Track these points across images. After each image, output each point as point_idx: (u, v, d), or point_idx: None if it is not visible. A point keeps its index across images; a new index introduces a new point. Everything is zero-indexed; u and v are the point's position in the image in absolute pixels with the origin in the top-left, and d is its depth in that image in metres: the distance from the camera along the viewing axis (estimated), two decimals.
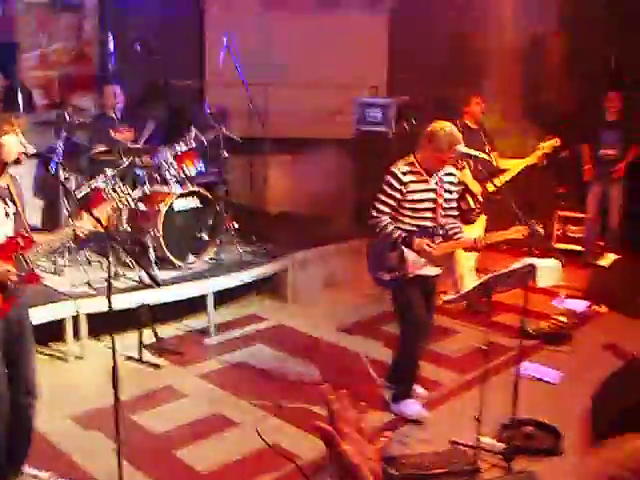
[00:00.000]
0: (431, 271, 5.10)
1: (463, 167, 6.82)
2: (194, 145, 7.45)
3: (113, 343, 3.72)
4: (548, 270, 4.30)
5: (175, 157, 7.29)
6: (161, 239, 6.75)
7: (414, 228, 4.98)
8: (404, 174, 4.94)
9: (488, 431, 4.72)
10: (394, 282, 5.04)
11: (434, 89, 9.38)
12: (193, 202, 7.08)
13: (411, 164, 4.99)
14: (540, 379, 5.84)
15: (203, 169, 7.50)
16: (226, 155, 7.59)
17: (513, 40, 9.45)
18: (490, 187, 6.90)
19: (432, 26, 9.55)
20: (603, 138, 8.63)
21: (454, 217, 5.19)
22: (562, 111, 9.15)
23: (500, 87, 9.36)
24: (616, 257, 8.10)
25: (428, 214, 5.00)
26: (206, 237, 7.08)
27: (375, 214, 4.98)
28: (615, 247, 8.62)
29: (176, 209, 6.92)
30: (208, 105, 8.01)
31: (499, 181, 6.83)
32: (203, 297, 6.68)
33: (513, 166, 7.03)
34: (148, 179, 7.25)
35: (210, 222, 7.13)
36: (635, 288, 7.43)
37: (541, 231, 4.33)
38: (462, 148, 4.83)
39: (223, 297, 6.96)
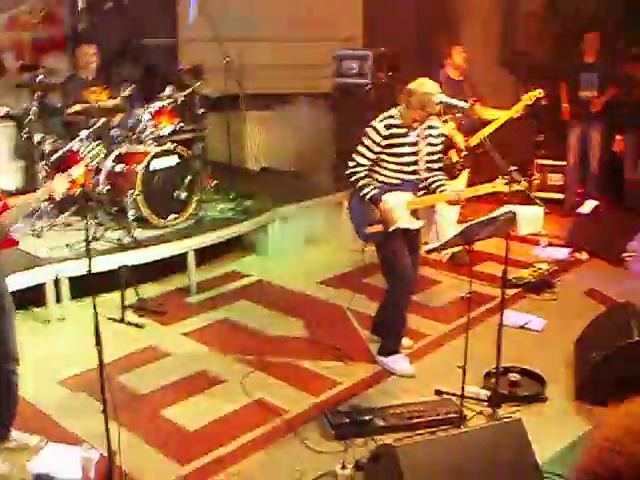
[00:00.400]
0: (414, 224, 5.09)
1: (446, 121, 6.77)
2: (169, 103, 7.37)
3: (94, 306, 3.68)
4: (530, 217, 4.29)
5: (151, 116, 7.22)
6: (139, 199, 6.69)
7: (396, 181, 4.96)
8: (385, 128, 4.90)
9: (473, 380, 4.74)
10: (377, 235, 5.01)
11: (412, 39, 9.30)
12: (170, 160, 6.98)
13: (391, 118, 4.95)
14: (524, 327, 5.86)
15: (179, 127, 7.42)
16: (202, 112, 7.51)
17: None
18: (474, 140, 6.86)
19: None
20: (582, 80, 8.60)
21: (438, 170, 5.15)
22: (540, 57, 9.11)
23: (478, 35, 9.29)
24: (596, 204, 8.13)
25: (410, 167, 4.97)
26: (185, 195, 7.01)
27: (352, 166, 4.96)
28: (596, 193, 8.64)
29: (153, 168, 6.83)
30: (182, 63, 7.88)
31: (483, 133, 6.82)
32: (184, 256, 6.64)
33: (497, 117, 6.95)
34: (124, 139, 7.18)
35: (188, 180, 7.04)
36: (615, 234, 7.47)
37: (522, 180, 4.30)
38: (442, 97, 4.78)
39: (204, 255, 6.92)
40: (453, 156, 6.89)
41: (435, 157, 5.11)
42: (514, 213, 4.04)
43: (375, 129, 4.91)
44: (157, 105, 7.28)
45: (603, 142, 8.71)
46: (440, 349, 5.56)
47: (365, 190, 4.89)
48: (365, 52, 8.93)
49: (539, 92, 6.91)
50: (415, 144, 4.96)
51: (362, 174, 4.93)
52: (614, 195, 8.67)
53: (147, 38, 8.97)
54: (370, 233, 5.02)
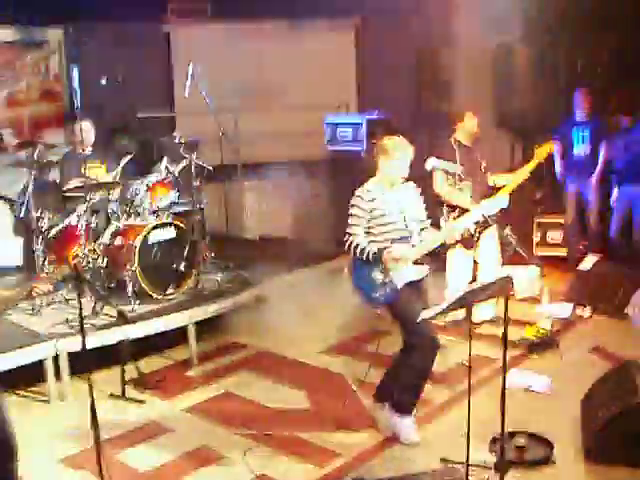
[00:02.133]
0: (421, 272, 5.09)
1: (461, 189, 6.75)
2: (166, 176, 7.42)
3: (90, 384, 3.64)
4: (526, 280, 4.27)
5: (147, 189, 7.26)
6: (138, 273, 6.69)
7: (387, 243, 4.99)
8: (368, 192, 5.04)
9: (479, 446, 4.67)
10: (388, 297, 4.98)
11: (405, 104, 9.39)
12: (168, 233, 7.01)
13: (374, 183, 5.10)
14: (529, 389, 5.78)
15: (176, 199, 7.46)
16: (198, 183, 7.56)
17: (480, 52, 9.46)
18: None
19: (399, 42, 9.57)
20: (574, 137, 8.64)
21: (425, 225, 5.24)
22: (532, 116, 9.17)
23: (470, 99, 9.37)
24: (596, 259, 8.10)
25: (398, 226, 5.05)
26: (183, 268, 7.01)
27: (349, 236, 5.03)
28: (597, 248, 8.61)
29: (151, 241, 6.85)
30: (178, 135, 7.95)
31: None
32: (184, 329, 6.60)
33: (511, 180, 6.89)
34: (121, 213, 7.20)
35: (186, 252, 7.05)
36: (617, 288, 7.42)
37: (513, 241, 4.28)
38: (434, 161, 4.81)
39: (204, 327, 6.87)
40: (471, 227, 6.80)
41: (420, 212, 5.22)
42: (510, 277, 4.02)
43: (359, 196, 5.04)
44: (154, 178, 7.32)
45: (600, 197, 8.72)
46: (444, 416, 5.46)
47: (367, 249, 4.94)
48: (358, 118, 9.01)
49: (550, 147, 6.90)
50: (398, 202, 5.08)
51: (359, 239, 4.98)
52: (615, 248, 8.63)
53: (143, 112, 9.07)
54: (380, 295, 4.97)
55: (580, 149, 8.64)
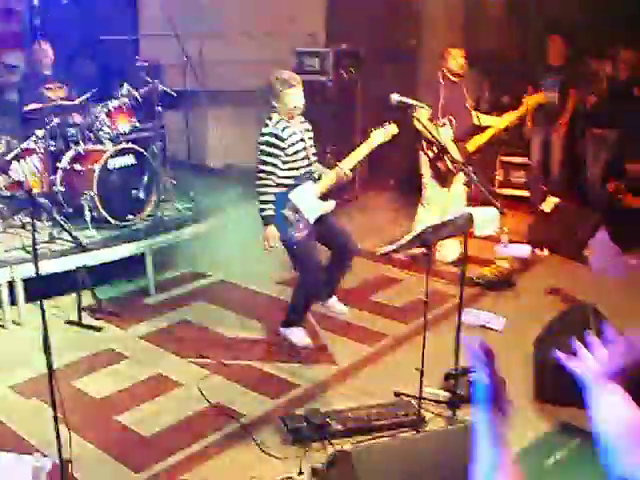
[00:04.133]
0: (328, 206, 5.28)
1: (443, 124, 6.71)
2: (127, 101, 7.25)
3: (42, 310, 3.59)
4: (485, 219, 4.27)
5: (108, 114, 7.10)
6: (97, 199, 6.57)
7: (295, 175, 5.15)
8: (283, 130, 5.08)
9: (433, 381, 4.72)
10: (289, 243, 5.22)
11: (374, 38, 9.25)
12: (128, 160, 6.87)
13: (281, 120, 5.12)
14: (484, 326, 5.84)
15: (137, 125, 7.32)
16: (160, 109, 7.42)
17: None
18: (470, 146, 6.79)
19: None
20: (545, 83, 8.58)
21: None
22: (504, 58, 9.10)
23: (441, 37, 9.24)
24: (558, 201, 8.14)
25: (304, 161, 5.20)
26: (142, 195, 6.91)
27: (262, 180, 5.11)
28: (557, 192, 8.64)
29: (111, 168, 6.72)
30: (141, 59, 7.76)
31: (479, 140, 6.78)
32: (143, 256, 6.54)
33: (493, 123, 6.91)
34: (81, 138, 7.05)
35: (146, 179, 6.95)
36: (576, 231, 7.48)
37: (476, 178, 4.26)
38: (395, 96, 4.76)
39: (163, 256, 6.81)
40: (448, 163, 6.78)
41: (314, 149, 5.34)
42: (470, 214, 4.01)
43: (274, 135, 5.06)
44: (114, 103, 7.16)
45: (565, 144, 8.71)
46: (400, 350, 5.51)
47: (264, 213, 5.14)
48: (325, 49, 8.88)
49: (540, 97, 6.92)
50: (302, 138, 5.19)
51: (270, 193, 5.09)
52: (576, 194, 8.68)
53: (106, 34, 8.84)
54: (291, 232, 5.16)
55: (549, 95, 8.58)
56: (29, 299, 5.90)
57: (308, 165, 5.23)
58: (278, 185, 5.12)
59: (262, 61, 8.65)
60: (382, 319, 6.02)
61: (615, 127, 8.19)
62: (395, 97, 4.74)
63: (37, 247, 3.81)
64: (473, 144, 6.84)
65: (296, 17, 9.48)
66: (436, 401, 4.65)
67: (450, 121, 6.74)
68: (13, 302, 5.91)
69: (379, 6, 9.33)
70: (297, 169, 5.16)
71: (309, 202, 5.16)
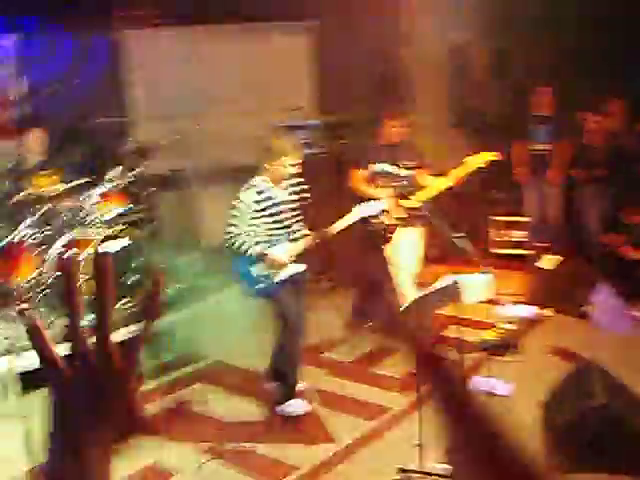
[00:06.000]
0: (298, 268, 5.54)
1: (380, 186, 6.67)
2: (118, 184, 7.25)
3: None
4: (475, 285, 4.18)
5: (100, 198, 7.09)
6: (89, 284, 6.50)
7: (270, 237, 5.43)
8: (255, 188, 5.41)
9: (438, 454, 4.57)
10: (265, 290, 5.44)
11: (363, 106, 9.29)
12: (120, 243, 6.82)
13: (262, 179, 5.44)
14: (490, 393, 5.69)
15: (129, 208, 7.30)
16: (152, 191, 7.42)
17: (436, 51, 9.40)
18: (407, 203, 6.67)
19: (354, 43, 9.48)
20: (534, 134, 8.58)
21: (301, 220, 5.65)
22: (490, 114, 9.13)
23: (427, 99, 9.31)
24: (558, 258, 8.06)
25: (281, 223, 5.47)
26: (136, 279, 6.85)
27: (230, 233, 5.39)
28: (557, 247, 8.56)
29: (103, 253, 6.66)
30: (131, 142, 7.79)
31: (419, 197, 6.65)
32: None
33: (433, 184, 6.71)
34: (73, 224, 7.02)
35: (140, 262, 6.90)
36: (579, 288, 7.38)
37: (467, 247, 4.18)
38: (383, 166, 4.76)
39: (155, 340, 6.69)
40: (384, 220, 6.68)
41: (298, 208, 5.60)
42: (456, 283, 3.92)
43: (247, 197, 5.38)
44: (105, 187, 7.15)
45: (561, 197, 8.68)
46: (402, 424, 5.36)
47: (250, 250, 5.34)
48: (314, 122, 8.93)
49: (493, 155, 6.59)
50: (283, 201, 5.49)
51: (242, 237, 5.34)
52: (574, 248, 8.60)
53: (94, 118, 8.88)
54: (262, 288, 5.44)
55: (540, 147, 8.59)
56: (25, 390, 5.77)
57: (283, 227, 5.48)
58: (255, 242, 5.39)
59: (252, 137, 8.70)
60: (381, 392, 5.89)
61: (612, 177, 8.16)
62: (376, 167, 4.72)
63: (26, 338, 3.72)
64: (411, 201, 6.70)
65: (285, 93, 9.55)
66: (441, 476, 4.49)
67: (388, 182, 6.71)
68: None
69: (366, 74, 9.41)
70: (270, 229, 5.44)
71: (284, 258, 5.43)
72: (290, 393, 5.52)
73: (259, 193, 5.39)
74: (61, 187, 7.23)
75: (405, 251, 6.89)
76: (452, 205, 6.79)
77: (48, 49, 8.93)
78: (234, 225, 5.37)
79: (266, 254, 5.37)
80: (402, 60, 9.51)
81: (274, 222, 5.45)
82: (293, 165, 5.41)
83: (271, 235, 5.45)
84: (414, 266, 6.86)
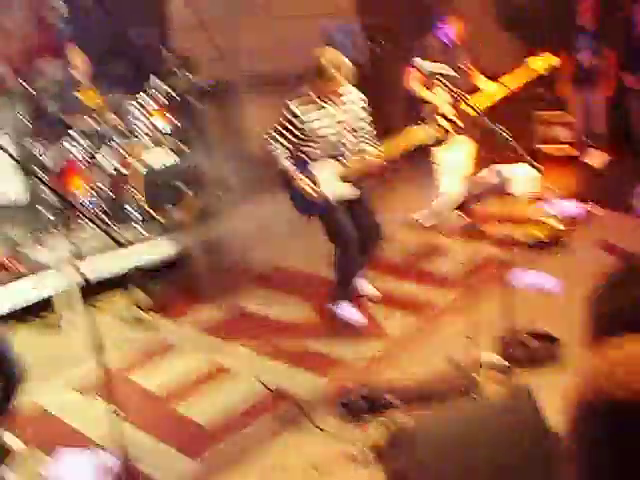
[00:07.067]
0: (349, 194, 5.31)
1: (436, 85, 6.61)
2: (161, 97, 7.30)
3: (93, 315, 3.66)
4: (523, 178, 4.19)
5: (142, 110, 7.16)
6: (140, 196, 6.65)
7: (322, 153, 5.23)
8: (297, 107, 5.15)
9: (487, 346, 4.67)
10: (315, 208, 5.28)
11: (406, 8, 9.13)
12: (167, 155, 6.95)
13: (306, 96, 5.19)
14: (538, 288, 5.74)
15: (173, 120, 7.36)
16: (196, 103, 7.45)
17: None
18: (468, 109, 6.60)
19: None
20: (578, 43, 8.39)
21: (366, 137, 5.37)
22: (536, 18, 8.89)
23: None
24: (606, 155, 7.97)
25: (331, 141, 5.22)
26: (185, 189, 6.95)
27: (271, 142, 5.23)
28: (603, 146, 8.45)
29: (151, 164, 6.79)
30: (172, 53, 7.79)
31: (478, 104, 6.57)
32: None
33: (492, 89, 6.54)
34: (119, 137, 7.13)
35: (187, 173, 7.00)
36: (626, 185, 7.31)
37: (510, 139, 4.16)
38: (426, 66, 4.71)
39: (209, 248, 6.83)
40: (443, 123, 6.67)
41: (360, 123, 5.32)
42: (503, 174, 3.94)
43: (289, 109, 5.16)
44: (148, 100, 7.21)
45: (608, 107, 8.50)
46: (451, 316, 5.44)
47: (281, 161, 5.22)
48: (354, 25, 8.82)
49: (554, 60, 6.30)
50: (334, 115, 5.20)
51: (279, 151, 5.21)
52: (622, 148, 8.47)
53: (134, 28, 8.86)
54: (311, 206, 5.25)
55: (586, 56, 8.39)
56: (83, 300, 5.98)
57: (334, 145, 5.25)
58: (297, 156, 5.26)
59: (292, 42, 8.63)
60: (429, 288, 5.98)
61: None
62: (424, 66, 4.68)
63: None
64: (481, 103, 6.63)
65: None
66: (490, 366, 4.59)
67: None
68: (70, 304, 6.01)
69: None
70: (319, 146, 5.23)
71: (328, 179, 5.23)
72: (344, 294, 5.51)
73: (298, 106, 5.16)
74: (105, 102, 7.32)
75: (458, 157, 6.93)
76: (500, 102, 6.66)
77: None
78: (279, 133, 5.20)
79: (290, 171, 5.23)
80: None
81: (322, 142, 5.22)
82: (344, 79, 5.12)
83: (320, 150, 5.24)
84: (466, 170, 6.88)
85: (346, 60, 5.10)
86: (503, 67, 6.77)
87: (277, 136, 5.19)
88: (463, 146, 6.92)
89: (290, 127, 5.15)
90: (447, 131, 6.67)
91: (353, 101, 5.29)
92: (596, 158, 8.06)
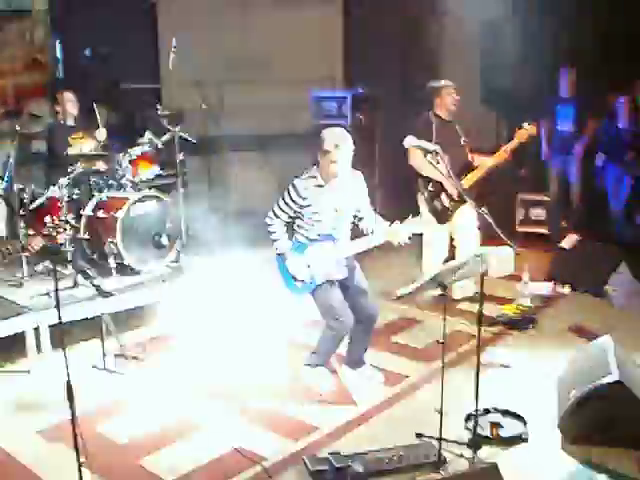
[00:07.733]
0: (341, 274, 5.24)
1: (437, 162, 6.75)
2: (149, 148, 7.40)
3: (65, 357, 3.67)
4: (501, 259, 4.29)
5: (130, 162, 7.25)
6: (120, 245, 6.69)
7: (316, 236, 5.15)
8: (305, 188, 5.04)
9: (455, 422, 4.71)
10: (308, 288, 5.22)
11: (393, 79, 9.35)
12: (150, 206, 7.01)
13: (313, 177, 5.09)
14: (505, 365, 5.83)
15: (159, 172, 7.45)
16: (182, 157, 7.55)
17: (467, 27, 9.42)
18: (466, 182, 6.79)
19: (385, 13, 9.53)
20: (559, 114, 8.65)
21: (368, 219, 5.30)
22: (517, 94, 9.16)
23: (456, 74, 9.33)
24: (578, 238, 8.14)
25: (327, 224, 5.14)
26: (165, 241, 7.01)
27: (270, 216, 5.17)
28: (578, 227, 8.64)
29: (133, 214, 6.84)
30: (162, 107, 7.92)
31: (470, 178, 6.80)
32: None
33: (483, 163, 6.90)
34: (104, 185, 7.19)
35: (169, 225, 7.06)
36: (596, 267, 7.47)
37: (490, 220, 4.29)
38: (410, 139, 4.83)
39: None
40: (445, 201, 6.85)
41: (363, 206, 5.27)
42: (484, 255, 4.04)
43: (295, 187, 5.05)
44: (137, 151, 7.31)
45: (584, 176, 8.75)
46: (421, 391, 5.50)
47: (276, 243, 5.18)
48: (343, 92, 9.00)
49: (531, 127, 6.76)
50: (335, 198, 5.11)
51: (276, 228, 5.15)
52: (597, 228, 8.67)
53: (127, 83, 9.02)
54: (303, 286, 5.21)
55: (564, 127, 8.66)
56: (55, 345, 5.97)
57: (330, 228, 5.15)
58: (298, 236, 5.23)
59: (281, 106, 8.81)
60: (402, 360, 6.03)
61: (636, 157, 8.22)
62: (409, 140, 4.80)
63: (60, 294, 3.91)
64: (468, 181, 6.84)
65: (315, 63, 9.63)
66: (457, 442, 4.63)
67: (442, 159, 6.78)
68: (39, 348, 5.98)
69: (397, 47, 9.45)
70: (314, 228, 5.16)
71: (321, 263, 5.17)
72: (319, 364, 5.51)
73: (304, 196, 5.04)
74: (94, 149, 7.39)
75: (466, 230, 7.05)
76: (482, 181, 6.87)
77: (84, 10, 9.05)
78: (280, 209, 5.13)
79: (284, 254, 5.18)
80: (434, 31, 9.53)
81: (318, 224, 5.14)
82: (343, 159, 5.00)
83: (317, 233, 5.16)
84: (474, 244, 7.00)
85: (349, 140, 5.01)
86: (483, 141, 7.00)
87: (277, 210, 5.13)
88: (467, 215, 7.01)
89: (290, 203, 5.08)
90: (448, 209, 6.83)
91: (354, 183, 5.23)
92: (568, 239, 8.24)
